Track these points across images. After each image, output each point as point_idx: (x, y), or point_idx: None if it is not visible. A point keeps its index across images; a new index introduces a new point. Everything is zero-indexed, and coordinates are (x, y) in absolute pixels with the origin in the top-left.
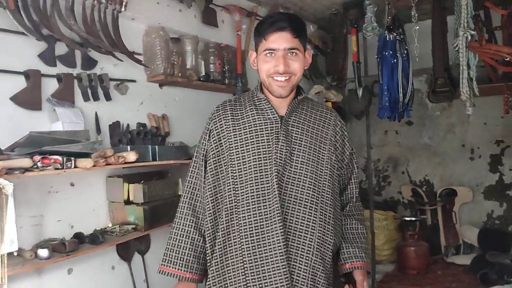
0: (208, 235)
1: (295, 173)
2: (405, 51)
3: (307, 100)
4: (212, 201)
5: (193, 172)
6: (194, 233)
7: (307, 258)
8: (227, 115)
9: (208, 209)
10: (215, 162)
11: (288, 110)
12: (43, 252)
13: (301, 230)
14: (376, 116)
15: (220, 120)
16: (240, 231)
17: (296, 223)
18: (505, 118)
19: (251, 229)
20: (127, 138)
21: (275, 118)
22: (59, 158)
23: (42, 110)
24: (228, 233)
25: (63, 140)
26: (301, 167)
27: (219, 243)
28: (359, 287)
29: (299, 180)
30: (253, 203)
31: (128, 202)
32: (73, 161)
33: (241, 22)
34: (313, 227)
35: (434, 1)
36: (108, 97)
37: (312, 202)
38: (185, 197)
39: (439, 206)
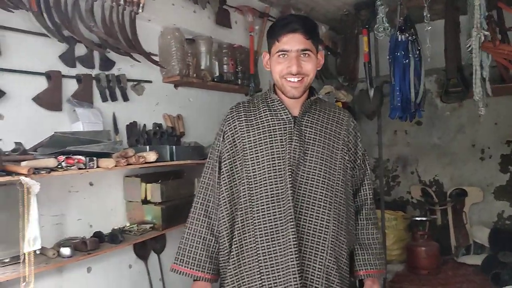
0: (227, 234)
1: (308, 172)
2: (417, 52)
3: (320, 101)
4: (229, 201)
5: (206, 173)
6: (207, 233)
7: (321, 257)
8: (240, 117)
9: (226, 209)
10: (230, 163)
11: (301, 111)
12: (66, 251)
13: (315, 230)
14: (388, 116)
15: (234, 122)
16: (255, 231)
17: (310, 222)
18: None
19: (265, 228)
20: (144, 138)
21: (288, 119)
22: (82, 158)
23: (63, 111)
24: (244, 233)
25: (85, 141)
26: (315, 166)
27: (235, 243)
28: None
29: (312, 179)
30: (267, 203)
31: (145, 201)
32: (95, 161)
33: (254, 23)
34: (327, 227)
35: (446, 1)
36: (125, 98)
37: (325, 202)
38: (199, 197)
39: (449, 206)
